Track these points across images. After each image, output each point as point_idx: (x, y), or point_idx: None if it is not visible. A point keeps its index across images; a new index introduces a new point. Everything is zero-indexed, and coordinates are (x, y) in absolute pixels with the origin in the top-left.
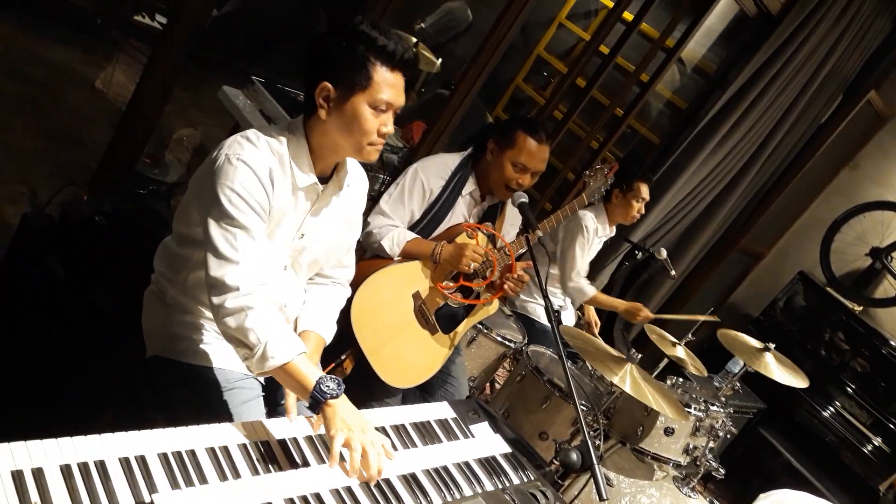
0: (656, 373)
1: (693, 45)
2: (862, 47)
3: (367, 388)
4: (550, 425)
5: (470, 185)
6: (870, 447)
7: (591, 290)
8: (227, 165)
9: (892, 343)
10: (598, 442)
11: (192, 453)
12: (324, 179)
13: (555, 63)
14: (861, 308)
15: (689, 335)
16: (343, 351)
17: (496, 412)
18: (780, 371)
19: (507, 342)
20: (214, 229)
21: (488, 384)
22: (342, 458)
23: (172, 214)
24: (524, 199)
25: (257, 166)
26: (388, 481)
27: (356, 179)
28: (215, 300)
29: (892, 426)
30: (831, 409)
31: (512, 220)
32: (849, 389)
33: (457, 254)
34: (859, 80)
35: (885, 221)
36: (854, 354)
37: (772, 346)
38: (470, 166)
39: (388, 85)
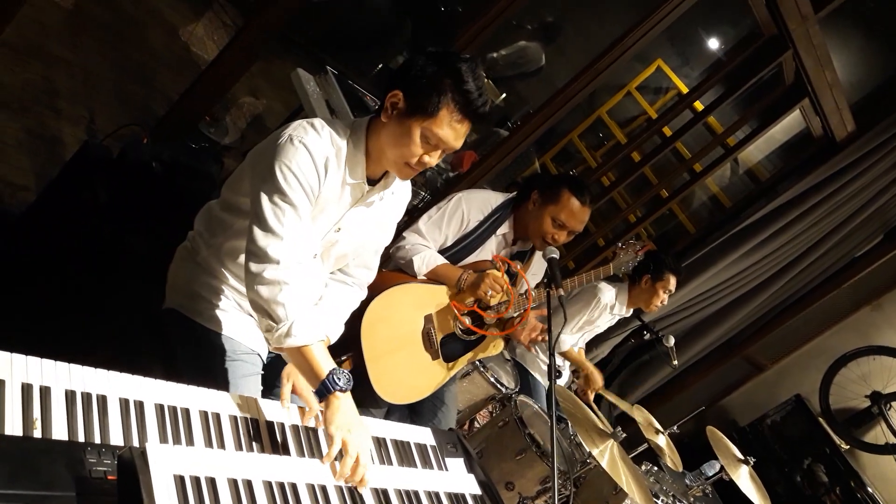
0: (633, 455)
1: (752, 149)
2: None
3: (356, 394)
4: (519, 478)
5: (505, 227)
6: None
7: (566, 346)
8: (289, 145)
9: (870, 489)
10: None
11: (186, 412)
12: (372, 182)
13: (613, 128)
14: (848, 447)
15: (675, 427)
16: (346, 351)
17: (473, 451)
18: (749, 486)
19: (499, 385)
20: (265, 201)
21: (468, 422)
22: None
23: (221, 176)
24: (555, 255)
25: (316, 152)
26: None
27: (400, 190)
28: (254, 268)
29: None
30: None
31: (535, 271)
32: None
33: (479, 279)
34: None
35: (894, 369)
36: (829, 490)
37: (752, 460)
38: (510, 209)
39: (450, 126)
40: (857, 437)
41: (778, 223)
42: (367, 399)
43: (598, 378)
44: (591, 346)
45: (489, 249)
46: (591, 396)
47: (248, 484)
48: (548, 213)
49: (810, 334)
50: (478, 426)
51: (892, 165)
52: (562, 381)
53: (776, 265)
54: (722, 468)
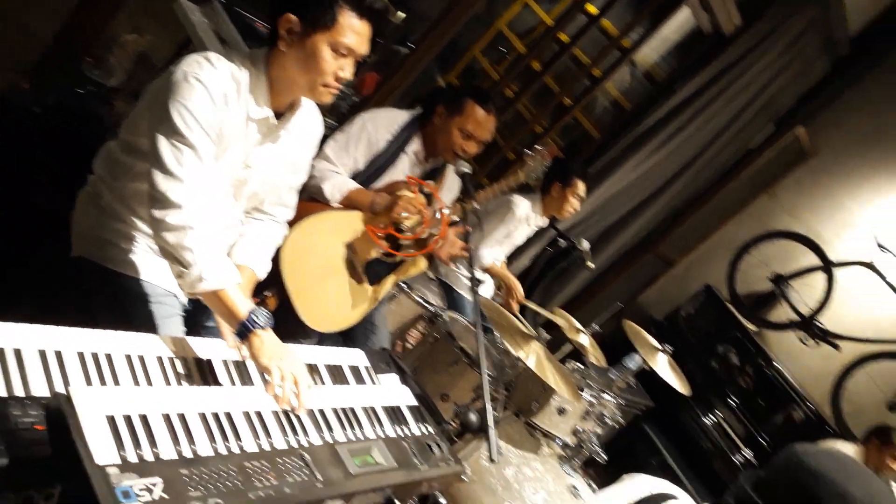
0: (559, 357)
1: (647, 50)
2: (800, 83)
3: (285, 328)
4: (453, 388)
5: (415, 145)
6: (741, 459)
7: (487, 261)
8: (184, 83)
9: (777, 366)
10: (496, 409)
11: (109, 357)
12: (278, 115)
13: (513, 40)
14: (756, 329)
15: (595, 326)
16: (268, 288)
17: (406, 367)
18: (668, 373)
19: (426, 304)
20: (163, 144)
21: (400, 343)
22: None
23: (111, 119)
24: (467, 168)
25: (213, 88)
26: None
27: (311, 122)
28: (156, 214)
29: (763, 442)
30: (712, 417)
31: (449, 186)
32: (731, 402)
33: (392, 202)
34: (791, 115)
35: (791, 251)
36: (742, 371)
37: (670, 348)
38: (418, 126)
39: (353, 30)
40: (763, 318)
41: (676, 122)
42: (297, 333)
43: (519, 289)
44: (512, 258)
45: (401, 168)
46: (516, 307)
47: (182, 417)
48: (455, 125)
49: (714, 226)
50: (410, 346)
51: (777, 55)
52: (487, 292)
53: (678, 162)
54: (642, 359)
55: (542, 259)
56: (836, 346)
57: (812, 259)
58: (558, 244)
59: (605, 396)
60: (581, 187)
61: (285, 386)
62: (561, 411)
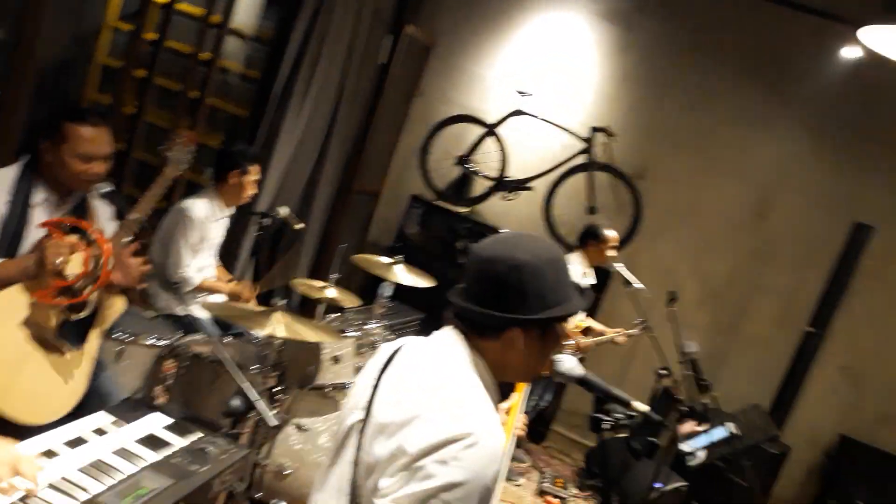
0: (317, 318)
1: (243, 16)
2: None
3: (9, 439)
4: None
5: (40, 193)
6: None
7: (197, 279)
8: None
9: (503, 230)
10: (268, 385)
11: None
12: None
13: (112, 63)
14: (468, 209)
15: (333, 276)
16: None
17: (155, 402)
18: (408, 277)
19: (157, 343)
20: None
21: (162, 389)
22: None
23: None
24: (107, 188)
25: None
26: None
27: None
28: None
29: None
30: None
31: (107, 215)
32: None
33: (39, 255)
34: (398, 17)
35: (458, 133)
36: None
37: (400, 258)
38: (30, 174)
39: None
40: (469, 199)
41: (306, 67)
42: (26, 437)
43: (241, 291)
44: (230, 259)
45: (38, 223)
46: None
47: None
48: (66, 154)
49: (392, 144)
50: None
51: None
52: (218, 297)
53: (329, 102)
54: (386, 281)
55: (263, 246)
56: (529, 188)
57: (478, 130)
58: (264, 225)
59: (369, 326)
60: (257, 169)
61: (3, 478)
62: (336, 359)
